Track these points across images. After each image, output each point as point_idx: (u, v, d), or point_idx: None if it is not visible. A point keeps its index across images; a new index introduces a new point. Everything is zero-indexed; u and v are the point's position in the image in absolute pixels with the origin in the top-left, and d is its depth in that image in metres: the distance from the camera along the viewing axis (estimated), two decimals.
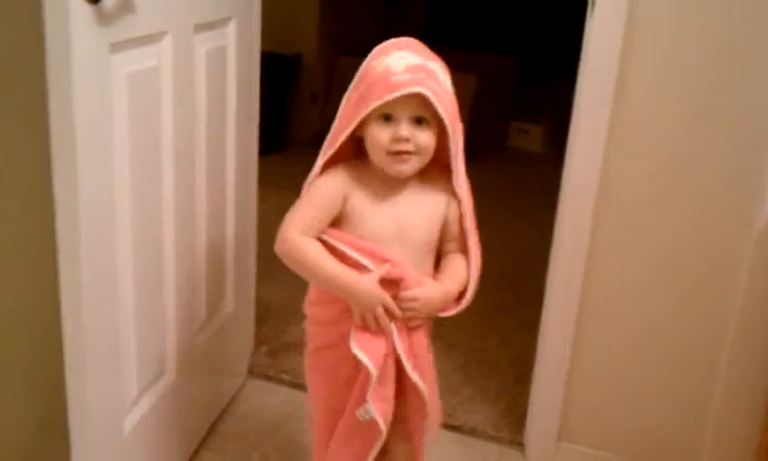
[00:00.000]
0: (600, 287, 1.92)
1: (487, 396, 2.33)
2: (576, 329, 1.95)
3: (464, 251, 1.44)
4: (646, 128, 1.80)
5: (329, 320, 1.45)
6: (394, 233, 1.39)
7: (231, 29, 1.89)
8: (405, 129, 1.32)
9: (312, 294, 1.49)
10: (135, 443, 1.65)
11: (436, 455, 2.00)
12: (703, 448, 1.93)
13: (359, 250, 1.37)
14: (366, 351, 1.36)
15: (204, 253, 1.90)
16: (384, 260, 1.36)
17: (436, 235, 1.43)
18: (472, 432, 2.17)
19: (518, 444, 2.13)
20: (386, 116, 1.33)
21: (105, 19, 1.28)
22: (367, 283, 1.34)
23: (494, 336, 2.68)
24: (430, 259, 1.45)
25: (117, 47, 1.35)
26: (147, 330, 1.64)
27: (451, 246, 1.45)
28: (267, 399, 2.26)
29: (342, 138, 1.37)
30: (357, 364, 1.38)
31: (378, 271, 1.35)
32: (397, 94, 1.29)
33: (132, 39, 1.40)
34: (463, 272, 1.43)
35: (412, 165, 1.35)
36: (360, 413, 1.39)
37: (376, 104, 1.31)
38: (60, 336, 1.37)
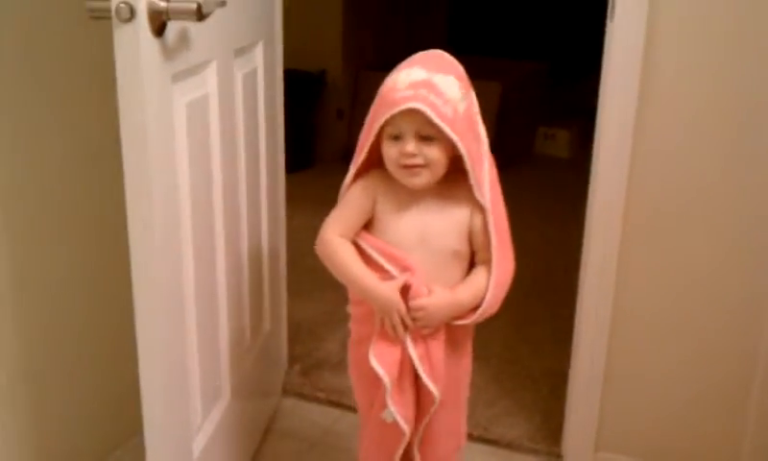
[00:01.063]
0: (633, 294, 1.90)
1: (522, 408, 2.31)
2: (610, 338, 1.94)
3: (487, 261, 1.46)
4: (673, 129, 1.78)
5: (359, 318, 1.52)
6: (416, 240, 1.43)
7: (259, 51, 1.91)
8: (410, 145, 1.37)
9: (350, 292, 1.55)
10: None
11: None
12: (742, 456, 1.90)
13: (383, 254, 1.43)
14: (381, 361, 1.43)
15: (246, 274, 1.92)
16: (406, 267, 1.41)
17: (462, 245, 1.45)
18: (509, 446, 2.16)
19: (556, 455, 2.11)
20: (396, 133, 1.38)
21: (167, 52, 1.30)
22: (385, 290, 1.41)
23: (527, 346, 2.67)
24: (458, 269, 1.47)
25: (177, 77, 1.37)
26: (207, 356, 1.66)
27: (480, 256, 1.47)
28: (302, 417, 2.27)
29: (363, 155, 1.45)
30: None
31: (400, 279, 1.40)
32: (395, 111, 1.34)
33: (188, 69, 1.43)
34: (482, 282, 1.44)
35: (423, 178, 1.40)
36: (384, 415, 1.46)
37: (381, 121, 1.37)
38: (136, 368, 1.40)
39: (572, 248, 2.44)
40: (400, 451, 1.52)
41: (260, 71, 1.92)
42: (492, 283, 1.42)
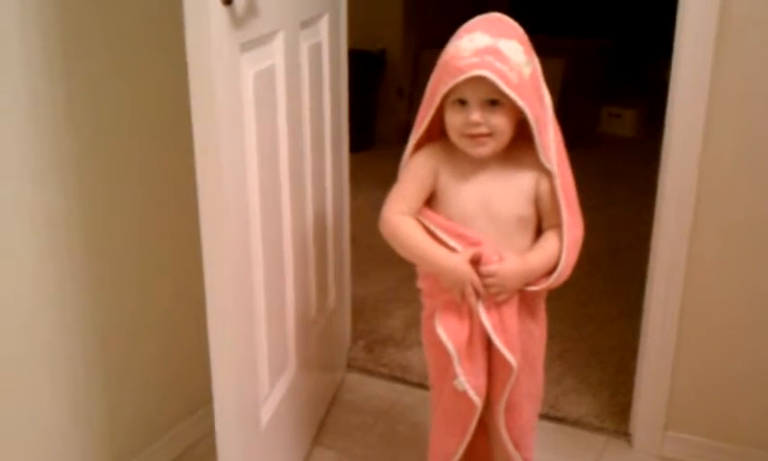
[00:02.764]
0: (704, 270, 1.85)
1: (589, 385, 2.28)
2: (680, 314, 1.89)
3: (561, 227, 1.43)
4: (747, 103, 1.72)
5: (430, 292, 1.50)
6: (479, 210, 1.42)
7: (324, 24, 1.91)
8: (476, 113, 1.34)
9: (418, 267, 1.53)
10: (270, 436, 1.69)
11: (540, 447, 1.98)
12: None
13: (450, 233, 1.41)
14: (447, 331, 1.43)
15: (312, 249, 1.93)
16: (472, 243, 1.39)
17: (527, 212, 1.44)
18: (576, 423, 2.13)
19: (624, 434, 2.08)
20: (461, 100, 1.36)
21: (236, 21, 1.32)
22: (455, 262, 1.39)
23: (592, 324, 2.63)
24: (524, 236, 1.45)
25: (245, 47, 1.38)
26: (274, 327, 1.68)
27: (548, 222, 1.45)
28: (366, 391, 2.28)
29: (424, 124, 1.43)
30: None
31: (467, 251, 1.38)
32: (461, 79, 1.32)
33: (256, 39, 1.44)
34: (553, 247, 1.42)
35: (489, 147, 1.38)
36: (456, 384, 1.45)
37: (444, 90, 1.35)
38: (206, 339, 1.43)
39: (637, 226, 2.40)
40: (474, 423, 1.51)
41: (325, 44, 1.92)
42: (564, 247, 1.40)
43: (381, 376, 2.35)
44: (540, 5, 5.38)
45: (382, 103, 4.62)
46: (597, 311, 2.71)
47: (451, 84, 1.33)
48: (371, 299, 2.76)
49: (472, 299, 1.39)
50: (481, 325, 1.41)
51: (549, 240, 1.43)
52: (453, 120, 1.37)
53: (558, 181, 1.39)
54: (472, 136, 1.36)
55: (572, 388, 2.27)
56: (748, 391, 1.90)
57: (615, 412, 2.15)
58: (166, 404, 1.93)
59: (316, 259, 1.96)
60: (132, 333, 1.79)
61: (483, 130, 1.35)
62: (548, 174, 1.40)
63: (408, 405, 2.20)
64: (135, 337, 1.80)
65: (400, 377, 2.32)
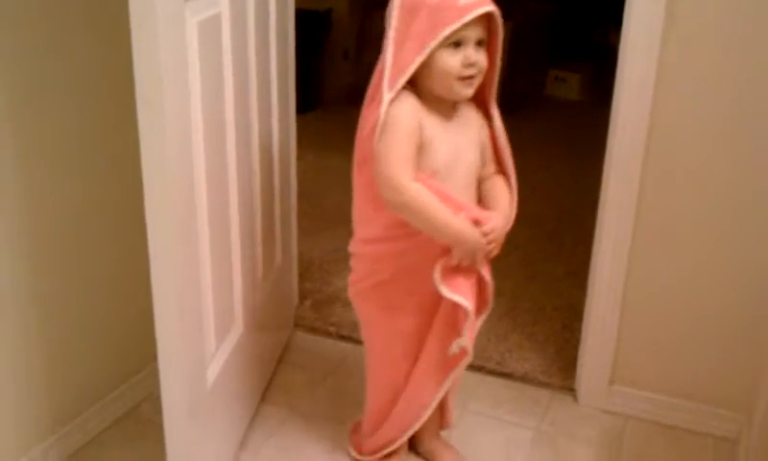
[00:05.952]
0: (652, 227, 1.87)
1: (535, 342, 2.31)
2: (627, 272, 1.92)
3: (500, 172, 1.49)
4: (696, 66, 1.74)
5: (379, 257, 1.51)
6: (455, 160, 1.44)
7: None
8: (480, 53, 1.37)
9: (373, 232, 1.51)
10: (217, 395, 1.66)
11: (487, 402, 2.01)
12: (761, 386, 1.89)
13: (439, 197, 1.41)
14: (460, 293, 1.44)
15: (259, 206, 1.89)
16: (456, 207, 1.41)
17: (479, 158, 1.48)
18: (523, 379, 2.15)
19: (570, 389, 2.10)
20: (455, 42, 1.35)
21: None
22: (473, 232, 1.40)
23: (538, 283, 2.65)
24: (475, 185, 1.49)
25: None
26: (220, 284, 1.65)
27: (489, 168, 1.50)
28: (314, 350, 2.27)
29: (412, 68, 1.36)
30: (413, 294, 1.49)
31: (464, 218, 1.41)
32: (469, 17, 1.31)
33: None
34: (507, 191, 1.48)
35: (473, 88, 1.40)
36: (453, 349, 1.48)
37: (450, 29, 1.32)
38: (150, 295, 1.39)
39: (584, 188, 2.41)
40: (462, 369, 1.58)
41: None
42: (513, 189, 1.47)
43: (328, 334, 2.34)
44: None
45: (328, 64, 4.56)
46: (543, 270, 2.74)
47: (461, 22, 1.31)
48: (317, 259, 2.74)
49: (484, 261, 1.45)
50: (481, 280, 1.48)
51: (502, 187, 1.48)
52: (450, 63, 1.36)
53: (499, 123, 1.45)
54: (466, 78, 1.37)
55: (518, 345, 2.29)
56: (691, 346, 1.94)
57: (561, 368, 2.18)
58: (110, 363, 1.89)
59: (262, 217, 1.93)
60: (74, 291, 1.74)
61: (475, 70, 1.37)
62: (487, 122, 1.47)
63: (356, 363, 2.19)
64: (78, 295, 1.76)
65: (348, 336, 2.31)
